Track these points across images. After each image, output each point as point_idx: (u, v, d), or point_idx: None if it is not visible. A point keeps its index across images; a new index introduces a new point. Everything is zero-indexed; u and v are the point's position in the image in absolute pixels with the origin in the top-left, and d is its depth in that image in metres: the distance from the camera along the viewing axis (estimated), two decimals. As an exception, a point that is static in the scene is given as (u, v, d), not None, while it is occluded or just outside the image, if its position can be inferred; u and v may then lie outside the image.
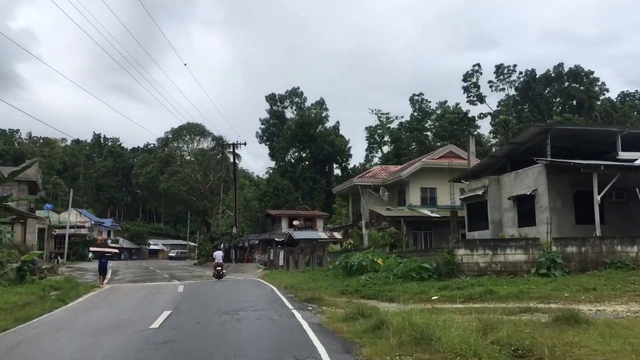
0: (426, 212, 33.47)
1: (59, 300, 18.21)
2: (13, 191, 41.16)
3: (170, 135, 70.54)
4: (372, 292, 17.22)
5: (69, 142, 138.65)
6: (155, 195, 68.21)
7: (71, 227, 66.67)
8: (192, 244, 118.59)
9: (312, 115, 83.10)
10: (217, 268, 28.41)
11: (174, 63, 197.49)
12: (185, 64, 41.98)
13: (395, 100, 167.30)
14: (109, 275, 33.17)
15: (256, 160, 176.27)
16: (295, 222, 58.65)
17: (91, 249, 58.40)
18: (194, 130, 71.27)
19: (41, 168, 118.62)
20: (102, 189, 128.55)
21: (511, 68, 70.03)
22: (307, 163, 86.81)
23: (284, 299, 16.71)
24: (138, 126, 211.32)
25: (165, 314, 13.73)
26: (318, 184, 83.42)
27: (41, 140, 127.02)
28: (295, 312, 13.63)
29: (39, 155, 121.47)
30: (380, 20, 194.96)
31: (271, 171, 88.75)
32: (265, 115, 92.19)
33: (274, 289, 20.66)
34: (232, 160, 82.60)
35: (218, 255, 29.71)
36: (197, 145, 71.77)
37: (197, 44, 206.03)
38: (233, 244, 53.16)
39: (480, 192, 24.75)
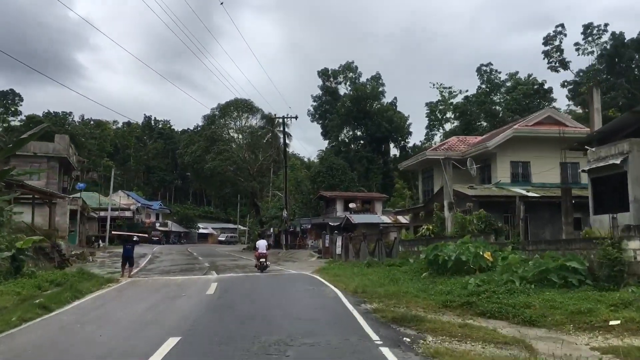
0: (519, 190, 26.81)
1: (41, 308, 12.99)
2: (43, 168, 37.03)
3: (217, 112, 65.74)
4: (494, 306, 11.09)
5: (120, 125, 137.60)
6: (201, 176, 63.74)
7: (114, 209, 63.16)
8: (243, 227, 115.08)
9: (368, 90, 76.48)
10: (261, 259, 24.43)
11: (227, 49, 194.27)
12: (222, 3, 37.38)
13: (453, 82, 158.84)
14: (137, 265, 28.26)
15: (307, 144, 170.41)
16: (351, 205, 52.97)
17: (114, 232, 54.23)
18: (242, 106, 66.25)
19: (92, 150, 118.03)
20: (152, 172, 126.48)
21: (602, 28, 60.97)
22: (362, 142, 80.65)
23: (360, 318, 10.79)
24: (189, 107, 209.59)
25: (165, 348, 8.08)
26: (374, 164, 77.20)
27: (92, 123, 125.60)
28: (386, 352, 7.68)
29: (89, 138, 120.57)
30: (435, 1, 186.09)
31: (323, 153, 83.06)
32: (318, 92, 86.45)
33: (339, 294, 14.78)
34: (282, 138, 78.04)
35: (261, 244, 25.54)
36: (246, 123, 66.83)
37: (249, 29, 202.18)
38: (283, 228, 47.90)
39: (617, 161, 18.00)
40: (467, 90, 75.60)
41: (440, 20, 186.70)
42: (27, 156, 36.61)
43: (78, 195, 42.54)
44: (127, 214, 63.30)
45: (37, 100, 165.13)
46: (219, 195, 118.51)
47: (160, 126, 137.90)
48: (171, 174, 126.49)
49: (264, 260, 24.28)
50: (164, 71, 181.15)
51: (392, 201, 61.12)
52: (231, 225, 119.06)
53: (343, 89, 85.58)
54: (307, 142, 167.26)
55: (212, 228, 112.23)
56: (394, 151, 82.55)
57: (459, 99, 75.95)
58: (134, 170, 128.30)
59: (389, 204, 58.56)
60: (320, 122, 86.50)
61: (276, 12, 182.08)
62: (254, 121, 68.12)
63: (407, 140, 78.83)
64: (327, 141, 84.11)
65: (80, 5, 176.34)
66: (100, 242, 54.09)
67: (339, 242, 33.06)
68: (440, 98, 79.13)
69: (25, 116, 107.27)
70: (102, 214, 58.99)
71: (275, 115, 49.10)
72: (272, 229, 55.00)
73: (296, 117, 49.78)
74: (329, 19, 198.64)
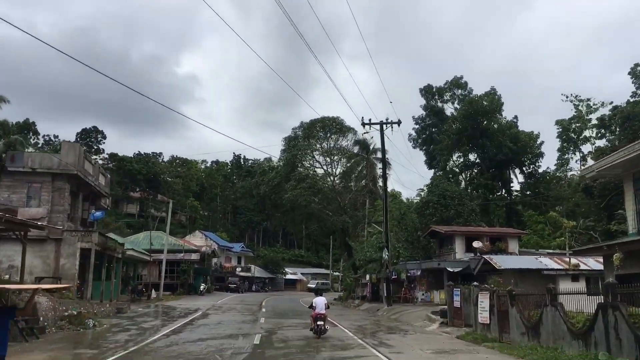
0: None
1: None
2: (44, 191, 26.51)
3: (300, 132, 54.19)
4: None
5: (208, 164, 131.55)
6: (281, 209, 51.85)
7: (174, 250, 52.63)
8: (336, 273, 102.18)
9: (485, 103, 61.97)
10: (318, 323, 18.85)
11: (321, 96, 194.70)
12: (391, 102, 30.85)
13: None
14: (138, 340, 16.08)
15: (405, 188, 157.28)
16: (476, 244, 38.52)
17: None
18: (331, 125, 54.35)
19: (177, 190, 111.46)
20: (239, 212, 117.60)
21: None
22: (477, 169, 65.67)
23: None
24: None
25: None
26: (494, 194, 61.90)
27: (177, 161, 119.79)
28: None
29: (173, 176, 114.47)
30: (535, 42, 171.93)
31: (428, 187, 68.71)
32: (420, 113, 73.05)
33: None
34: (378, 167, 65.03)
35: (319, 302, 19.55)
36: (335, 145, 54.63)
37: (343, 78, 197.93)
38: (384, 275, 34.27)
39: None
40: (611, 102, 58.70)
41: (542, 60, 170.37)
42: (24, 173, 26.27)
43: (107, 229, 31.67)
44: (194, 256, 52.54)
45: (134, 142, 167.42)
46: (303, 234, 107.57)
47: (249, 164, 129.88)
48: (259, 215, 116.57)
49: (322, 323, 18.96)
50: (263, 120, 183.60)
51: (528, 239, 45.74)
52: (323, 271, 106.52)
53: (450, 109, 71.74)
54: (405, 187, 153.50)
55: (302, 273, 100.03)
56: (518, 178, 66.83)
57: (600, 112, 59.31)
58: (220, 211, 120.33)
59: (527, 243, 43.38)
60: (423, 148, 72.73)
61: (370, 58, 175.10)
62: (345, 143, 55.87)
63: (537, 163, 62.70)
64: (432, 169, 70.02)
65: (186, 62, 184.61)
66: (152, 291, 43.25)
67: (484, 303, 18.98)
68: (575, 112, 62.95)
69: (108, 154, 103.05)
70: (164, 256, 48.79)
71: (369, 123, 36.01)
72: (367, 276, 41.47)
73: (399, 123, 36.46)
74: (423, 66, 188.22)
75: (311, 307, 19.68)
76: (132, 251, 39.28)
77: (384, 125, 36.04)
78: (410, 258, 39.92)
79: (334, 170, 52.43)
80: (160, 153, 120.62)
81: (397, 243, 37.97)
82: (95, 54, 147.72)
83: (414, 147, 73.84)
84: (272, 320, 25.79)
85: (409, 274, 38.20)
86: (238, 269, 79.70)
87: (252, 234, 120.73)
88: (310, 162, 52.04)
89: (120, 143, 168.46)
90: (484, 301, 19.07)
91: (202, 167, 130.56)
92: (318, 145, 54.58)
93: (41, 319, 19.66)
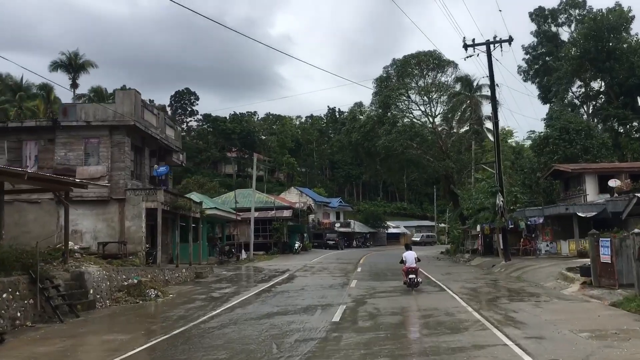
0: None
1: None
2: (103, 147, 23.78)
3: (393, 71, 48.46)
4: None
5: (303, 119, 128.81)
6: (375, 158, 46.97)
7: (264, 208, 49.95)
8: (442, 225, 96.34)
9: (611, 19, 52.25)
10: (410, 276, 18.97)
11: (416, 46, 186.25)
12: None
13: None
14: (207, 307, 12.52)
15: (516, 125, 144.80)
16: (612, 182, 31.96)
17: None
18: (427, 60, 48.04)
19: (272, 147, 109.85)
20: (336, 167, 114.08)
21: None
22: (603, 98, 56.48)
23: None
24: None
25: None
26: (627, 125, 52.89)
27: (271, 118, 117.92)
28: None
29: (267, 134, 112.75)
30: None
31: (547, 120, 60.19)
32: (531, 40, 64.03)
33: None
34: (484, 105, 58.14)
35: (409, 257, 19.42)
36: (433, 82, 48.32)
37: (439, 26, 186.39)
38: (499, 224, 28.58)
39: None
40: None
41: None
42: (79, 128, 23.59)
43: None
44: (287, 213, 49.52)
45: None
46: (404, 185, 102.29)
47: (344, 116, 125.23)
48: (357, 168, 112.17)
49: (414, 276, 18.94)
50: (358, 74, 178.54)
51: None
52: (427, 223, 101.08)
53: (566, 33, 62.18)
54: (517, 123, 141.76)
55: (405, 227, 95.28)
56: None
57: None
58: (317, 167, 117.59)
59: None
60: (536, 80, 64.03)
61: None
62: (444, 79, 49.35)
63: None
64: (547, 103, 61.44)
65: (279, 23, 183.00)
66: (242, 252, 40.73)
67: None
68: None
69: (202, 115, 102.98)
70: (252, 214, 46.39)
71: (473, 44, 29.72)
72: (478, 227, 35.94)
73: (510, 41, 29.77)
74: None
75: (402, 262, 19.80)
76: (216, 210, 36.62)
77: (491, 46, 29.66)
78: (529, 204, 33.81)
79: (432, 110, 46.42)
80: (255, 112, 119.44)
81: (513, 187, 31.93)
82: (191, 22, 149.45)
83: (525, 80, 65.19)
84: (365, 284, 21.57)
85: (528, 223, 32.24)
86: (337, 225, 76.52)
87: (351, 188, 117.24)
88: (406, 102, 46.34)
89: (217, 107, 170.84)
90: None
91: (297, 123, 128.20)
92: (414, 84, 48.60)
93: (91, 291, 16.82)
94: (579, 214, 29.33)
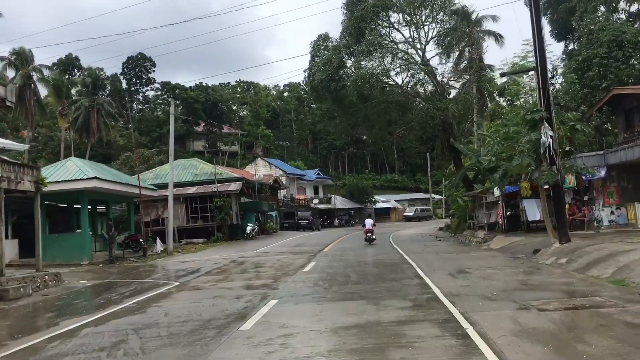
0: None
1: None
2: None
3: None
4: None
5: (281, 87, 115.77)
6: (346, 103, 34.32)
7: (202, 182, 37.96)
8: (438, 196, 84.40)
9: None
10: (368, 234, 28.24)
11: None
12: None
13: None
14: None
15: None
16: None
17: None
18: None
19: (244, 117, 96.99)
20: (318, 137, 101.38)
21: None
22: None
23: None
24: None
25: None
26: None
27: (242, 85, 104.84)
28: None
29: (239, 103, 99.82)
30: None
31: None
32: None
33: None
34: (485, 45, 46.30)
35: (368, 222, 29.24)
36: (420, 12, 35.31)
37: None
38: (549, 179, 15.83)
39: None
40: None
41: None
42: None
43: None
44: (234, 186, 37.13)
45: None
46: (395, 155, 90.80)
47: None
48: (342, 139, 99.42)
49: (370, 234, 28.00)
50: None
51: None
52: (422, 195, 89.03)
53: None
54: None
55: (396, 200, 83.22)
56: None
57: None
58: (296, 138, 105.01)
59: None
60: (548, 12, 51.26)
61: None
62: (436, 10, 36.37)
63: None
64: (562, 43, 48.95)
65: (265, 6, 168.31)
66: (158, 243, 28.42)
67: None
68: None
69: (159, 83, 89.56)
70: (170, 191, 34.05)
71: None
72: (496, 191, 23.62)
73: None
74: None
75: (364, 225, 29.30)
76: (106, 183, 24.18)
77: None
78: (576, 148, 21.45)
79: (424, 35, 33.70)
80: (228, 83, 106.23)
81: (566, 112, 19.36)
82: (178, 6, 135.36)
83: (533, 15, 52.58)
84: (288, 313, 9.46)
85: (586, 177, 20.15)
86: (315, 201, 64.48)
87: (336, 161, 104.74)
88: (386, 25, 33.54)
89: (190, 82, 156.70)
90: None
91: (274, 93, 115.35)
92: (397, 14, 35.69)
93: None
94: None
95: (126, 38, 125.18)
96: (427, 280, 12.87)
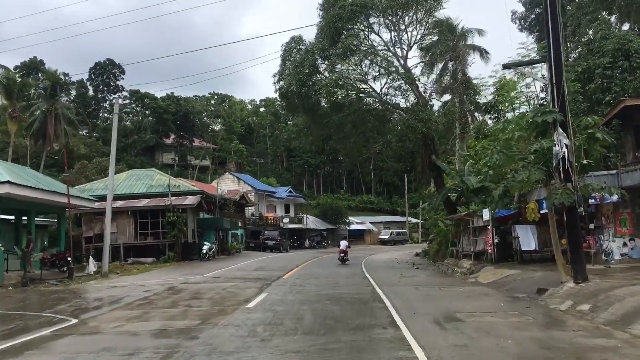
0: None
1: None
2: None
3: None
4: None
5: (257, 102, 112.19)
6: (319, 112, 30.79)
7: (156, 195, 34.15)
8: (414, 220, 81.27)
9: None
10: (341, 254, 29.48)
11: None
12: None
13: None
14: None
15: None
16: None
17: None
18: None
19: (218, 132, 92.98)
20: (293, 155, 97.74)
21: None
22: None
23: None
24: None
25: None
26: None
27: (216, 97, 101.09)
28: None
29: (213, 116, 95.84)
30: None
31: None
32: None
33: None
34: (470, 58, 44.02)
35: (343, 244, 30.73)
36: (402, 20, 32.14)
37: None
38: (562, 198, 12.26)
39: None
40: None
41: None
42: None
43: None
44: (190, 200, 33.18)
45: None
46: (372, 176, 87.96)
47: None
48: (317, 157, 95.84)
49: (343, 255, 29.12)
50: None
51: None
52: (398, 218, 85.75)
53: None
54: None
55: (371, 222, 79.76)
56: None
57: None
58: (270, 155, 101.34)
59: None
60: (536, 30, 48.98)
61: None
62: (420, 16, 33.26)
63: None
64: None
65: (250, 21, 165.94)
66: (91, 262, 24.30)
67: None
68: None
69: (128, 91, 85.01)
70: (146, 203, 29.92)
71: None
72: (486, 214, 20.24)
73: None
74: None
75: (338, 246, 32.23)
76: (24, 189, 20.09)
77: None
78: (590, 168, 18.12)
79: (404, 37, 30.50)
80: (203, 96, 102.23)
81: (584, 117, 15.98)
82: (161, 20, 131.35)
83: (521, 30, 50.32)
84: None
85: (592, 201, 16.88)
86: (285, 220, 60.59)
87: (311, 179, 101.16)
88: (366, 26, 30.24)
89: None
90: None
91: (250, 107, 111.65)
92: (378, 19, 32.50)
93: None
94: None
95: (102, 46, 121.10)
96: (406, 331, 9.24)
